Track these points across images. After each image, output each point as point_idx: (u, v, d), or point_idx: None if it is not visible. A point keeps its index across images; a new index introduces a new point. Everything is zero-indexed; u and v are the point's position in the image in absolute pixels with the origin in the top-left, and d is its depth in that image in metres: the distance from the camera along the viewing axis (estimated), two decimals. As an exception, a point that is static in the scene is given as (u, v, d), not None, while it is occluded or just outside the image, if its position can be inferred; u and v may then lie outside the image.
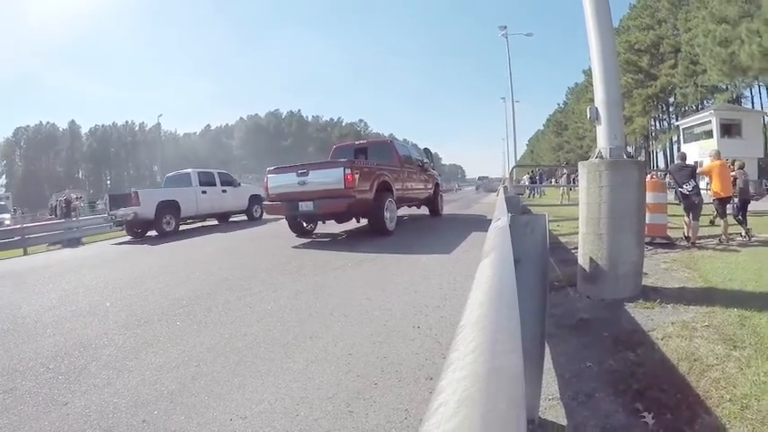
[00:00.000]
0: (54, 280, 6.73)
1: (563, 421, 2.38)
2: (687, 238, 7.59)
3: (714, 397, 2.50)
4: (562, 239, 8.17)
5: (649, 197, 6.61)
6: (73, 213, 16.94)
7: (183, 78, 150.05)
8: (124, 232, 13.71)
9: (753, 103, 29.70)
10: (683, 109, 35.34)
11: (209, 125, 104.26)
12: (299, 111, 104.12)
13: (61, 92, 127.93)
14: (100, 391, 2.84)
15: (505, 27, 34.28)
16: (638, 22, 36.57)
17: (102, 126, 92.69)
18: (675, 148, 32.47)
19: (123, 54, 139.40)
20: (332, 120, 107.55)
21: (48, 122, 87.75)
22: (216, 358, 3.30)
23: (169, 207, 12.97)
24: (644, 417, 2.34)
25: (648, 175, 8.13)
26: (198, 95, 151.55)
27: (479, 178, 64.32)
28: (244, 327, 3.99)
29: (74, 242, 14.51)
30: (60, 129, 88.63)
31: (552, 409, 2.48)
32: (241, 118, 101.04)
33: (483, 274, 1.23)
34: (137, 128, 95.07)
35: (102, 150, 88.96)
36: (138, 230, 13.24)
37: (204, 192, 14.31)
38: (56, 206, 18.41)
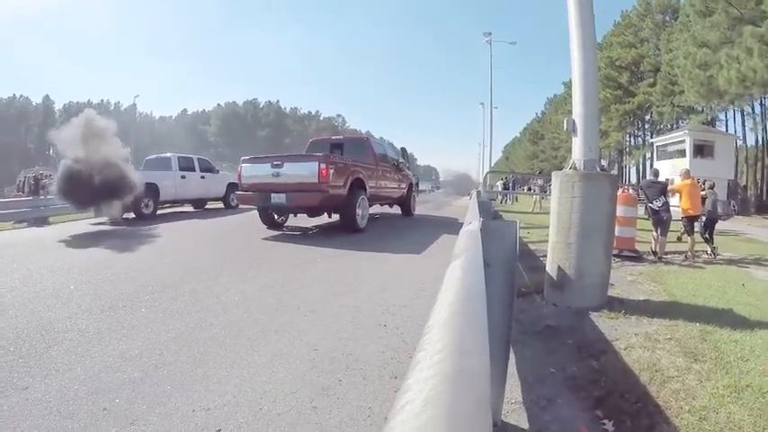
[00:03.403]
0: (18, 259, 6.50)
1: (525, 425, 2.42)
2: (654, 252, 7.78)
3: (674, 407, 2.57)
4: (532, 247, 8.27)
5: (620, 210, 6.75)
6: (42, 191, 16.38)
7: (162, 59, 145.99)
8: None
9: (726, 126, 30.29)
10: (658, 127, 36.01)
11: (185, 109, 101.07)
12: (278, 101, 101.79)
13: (35, 65, 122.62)
14: (61, 377, 2.77)
15: (490, 33, 34.52)
16: (621, 40, 37.13)
17: (77, 103, 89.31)
18: (648, 164, 33.06)
19: (101, 29, 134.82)
20: (310, 113, 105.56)
21: (21, 96, 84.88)
22: (180, 348, 3.25)
23: (148, 190, 12.66)
24: (604, 424, 2.39)
25: (620, 189, 8.29)
26: (176, 78, 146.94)
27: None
28: (210, 317, 3.94)
29: (41, 221, 14.10)
30: (34, 103, 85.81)
31: (514, 413, 2.52)
32: (219, 104, 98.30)
33: (453, 275, 1.23)
34: (112, 107, 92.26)
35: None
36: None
37: (183, 177, 14.15)
38: (24, 183, 17.78)
